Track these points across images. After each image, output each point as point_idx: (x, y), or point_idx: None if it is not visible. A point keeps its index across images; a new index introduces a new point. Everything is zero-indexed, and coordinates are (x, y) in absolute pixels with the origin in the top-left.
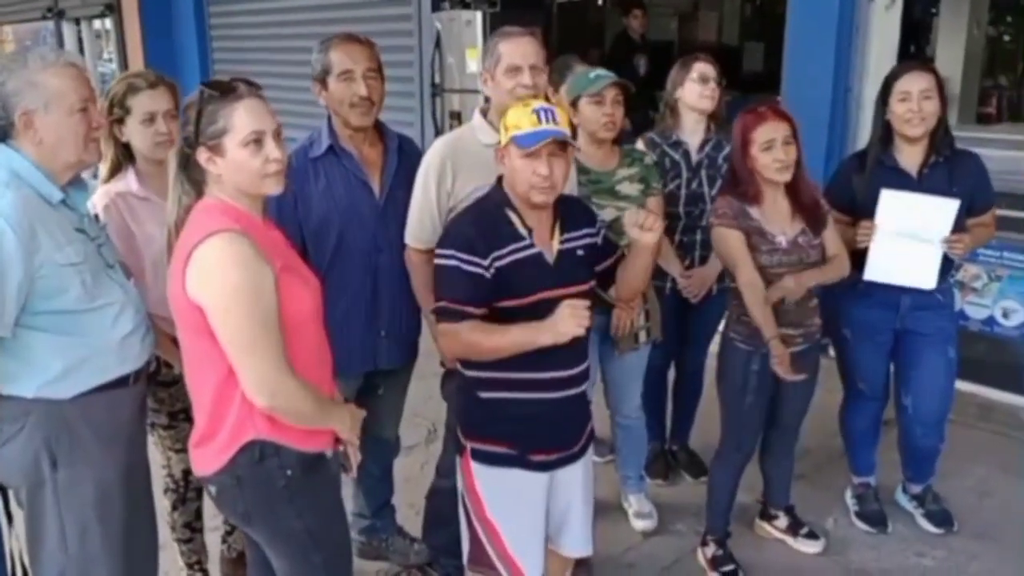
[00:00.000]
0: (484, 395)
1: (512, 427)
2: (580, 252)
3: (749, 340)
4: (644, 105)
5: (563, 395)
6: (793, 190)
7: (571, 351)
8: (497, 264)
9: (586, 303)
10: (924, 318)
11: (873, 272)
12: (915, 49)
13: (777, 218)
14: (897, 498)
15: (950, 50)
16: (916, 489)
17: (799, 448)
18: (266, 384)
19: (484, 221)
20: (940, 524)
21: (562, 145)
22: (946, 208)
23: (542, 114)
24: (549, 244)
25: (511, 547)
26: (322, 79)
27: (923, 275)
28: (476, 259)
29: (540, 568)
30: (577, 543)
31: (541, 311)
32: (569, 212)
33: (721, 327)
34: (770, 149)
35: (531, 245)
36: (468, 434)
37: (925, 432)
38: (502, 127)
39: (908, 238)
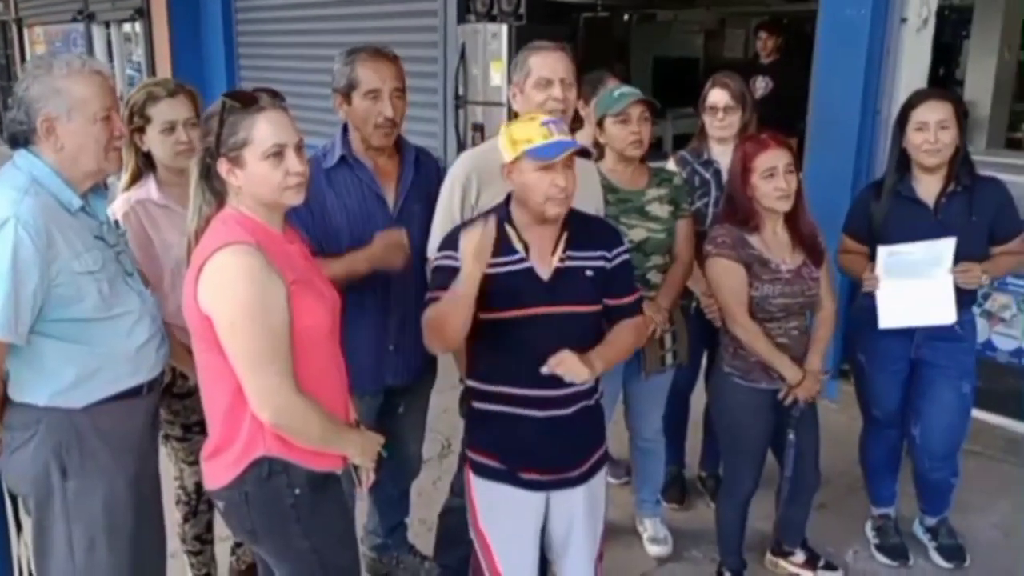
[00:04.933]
0: (477, 405)
1: (502, 442)
2: (589, 272)
3: (747, 376)
4: (760, 127)
5: (553, 414)
6: (793, 222)
7: None
8: (486, 272)
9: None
10: (940, 349)
11: (887, 320)
12: (944, 72)
13: (777, 249)
14: (915, 529)
15: (980, 74)
16: (931, 521)
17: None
18: (269, 401)
19: None
20: (951, 559)
21: (571, 156)
22: (943, 245)
23: (552, 126)
24: (548, 260)
25: (500, 562)
26: (346, 93)
27: (940, 311)
28: (458, 256)
29: None
30: (577, 572)
31: (537, 326)
32: (583, 231)
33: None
34: (772, 177)
35: (523, 260)
36: (468, 444)
37: (933, 465)
38: (508, 142)
39: (913, 280)
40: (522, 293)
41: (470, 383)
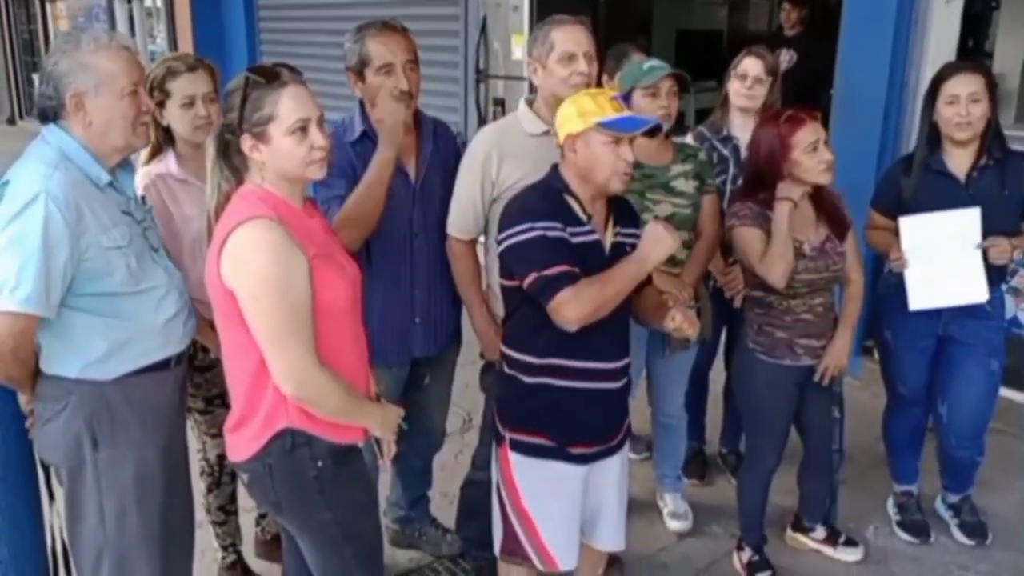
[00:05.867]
0: (528, 380)
1: (553, 418)
2: (629, 249)
3: (771, 352)
4: (784, 102)
5: (605, 387)
6: (816, 195)
7: (616, 343)
8: (571, 240)
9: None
10: (968, 326)
11: (917, 301)
12: (973, 44)
13: (801, 224)
14: (936, 507)
15: (1010, 45)
16: (953, 499)
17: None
18: (293, 374)
19: (549, 200)
20: (973, 536)
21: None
22: (968, 217)
23: (621, 101)
24: (604, 234)
25: (546, 538)
26: (359, 71)
27: (971, 289)
28: (556, 225)
29: (575, 560)
30: (610, 537)
31: None
32: (620, 209)
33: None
34: (816, 150)
35: (592, 231)
36: (508, 424)
37: (960, 443)
38: (575, 114)
39: (941, 256)
40: (591, 265)
41: (520, 357)
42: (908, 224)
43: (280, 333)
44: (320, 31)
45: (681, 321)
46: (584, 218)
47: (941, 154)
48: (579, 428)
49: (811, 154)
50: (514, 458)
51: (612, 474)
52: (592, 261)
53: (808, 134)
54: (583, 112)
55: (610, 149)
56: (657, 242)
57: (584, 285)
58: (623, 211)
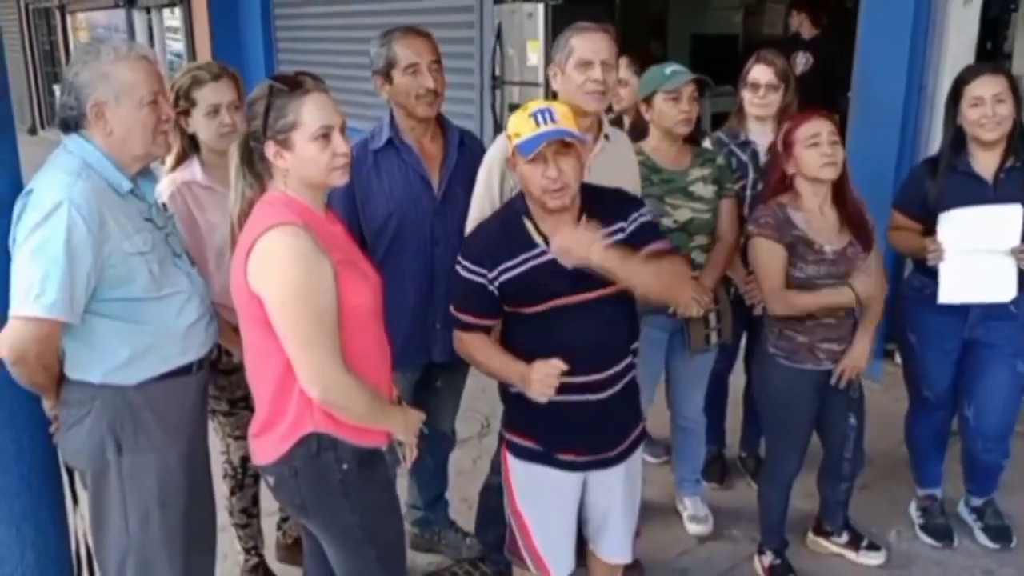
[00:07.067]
0: (514, 390)
1: (540, 422)
2: None
3: (792, 357)
4: (801, 105)
5: (589, 399)
6: (840, 201)
7: (601, 354)
8: (505, 276)
9: (558, 373)
10: (994, 328)
11: (948, 295)
12: (992, 46)
13: (824, 229)
14: (960, 510)
15: None
16: (977, 502)
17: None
18: (320, 378)
19: (500, 231)
20: (997, 539)
21: (568, 143)
22: (1010, 214)
23: (539, 117)
24: None
25: (538, 542)
26: (386, 73)
27: (1000, 288)
28: (481, 270)
29: (568, 567)
30: (615, 549)
31: (565, 316)
32: (597, 208)
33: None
34: (816, 145)
35: (544, 252)
36: (505, 425)
37: (986, 446)
38: (508, 136)
39: (978, 253)
40: (548, 286)
41: None
42: (948, 217)
43: (307, 338)
44: (336, 39)
45: (565, 239)
46: (538, 239)
47: (967, 156)
48: (565, 435)
49: (812, 148)
50: (510, 460)
51: (615, 485)
52: (549, 281)
53: (811, 128)
54: (509, 135)
55: (531, 169)
56: (530, 381)
57: (470, 340)
58: (602, 209)
